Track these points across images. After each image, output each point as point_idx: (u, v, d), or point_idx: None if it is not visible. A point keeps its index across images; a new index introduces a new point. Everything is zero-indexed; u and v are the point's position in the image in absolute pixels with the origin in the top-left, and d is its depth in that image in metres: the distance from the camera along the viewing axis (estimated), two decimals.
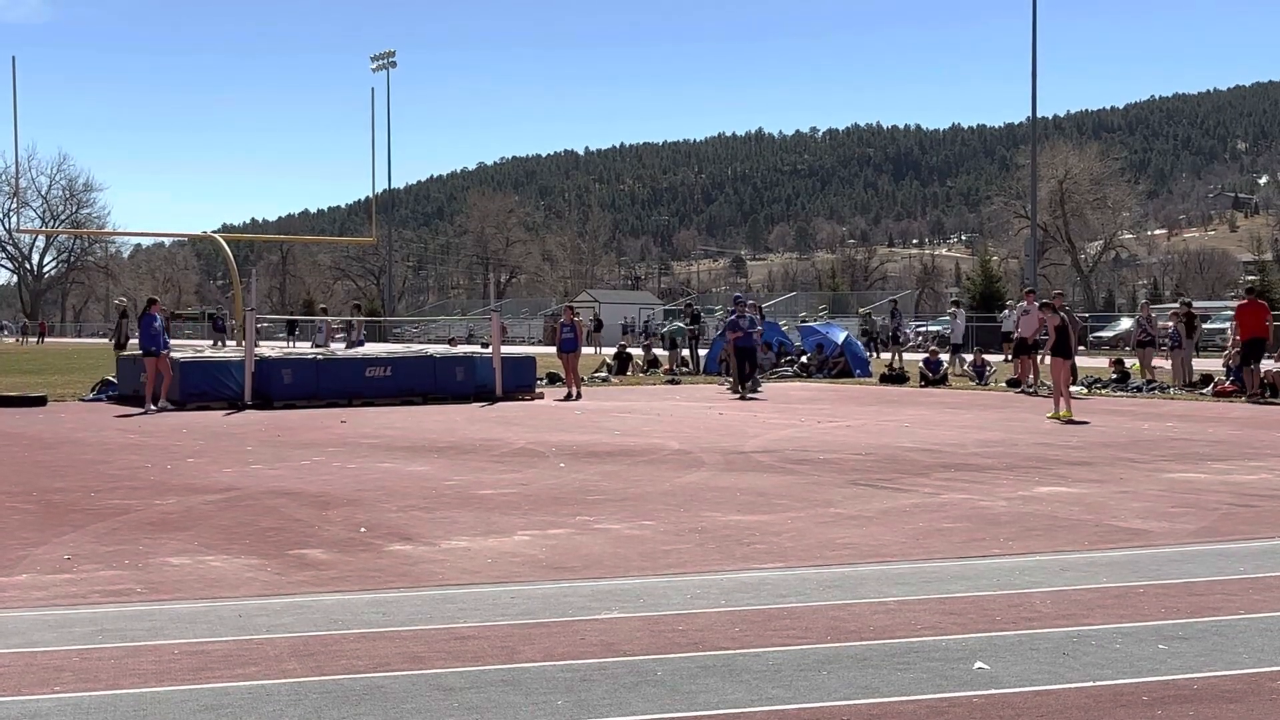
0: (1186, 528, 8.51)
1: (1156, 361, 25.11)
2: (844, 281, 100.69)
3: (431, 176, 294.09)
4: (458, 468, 12.12)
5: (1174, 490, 10.31)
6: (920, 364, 27.54)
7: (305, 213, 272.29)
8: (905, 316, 45.36)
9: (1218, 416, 18.00)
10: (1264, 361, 21.94)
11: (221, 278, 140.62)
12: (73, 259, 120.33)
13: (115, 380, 22.58)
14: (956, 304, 37.00)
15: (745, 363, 23.67)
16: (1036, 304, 24.38)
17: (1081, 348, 34.06)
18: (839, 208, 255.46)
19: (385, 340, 64.85)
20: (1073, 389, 19.42)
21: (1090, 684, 4.82)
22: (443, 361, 22.94)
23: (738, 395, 23.03)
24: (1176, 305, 28.18)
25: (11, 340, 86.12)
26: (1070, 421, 16.96)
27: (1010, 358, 29.81)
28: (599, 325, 53.10)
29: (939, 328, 51.95)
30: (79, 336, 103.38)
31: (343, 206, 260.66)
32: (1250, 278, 69.78)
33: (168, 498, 10.04)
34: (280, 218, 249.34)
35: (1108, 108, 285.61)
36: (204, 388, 20.39)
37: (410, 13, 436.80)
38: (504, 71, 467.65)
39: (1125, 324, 46.94)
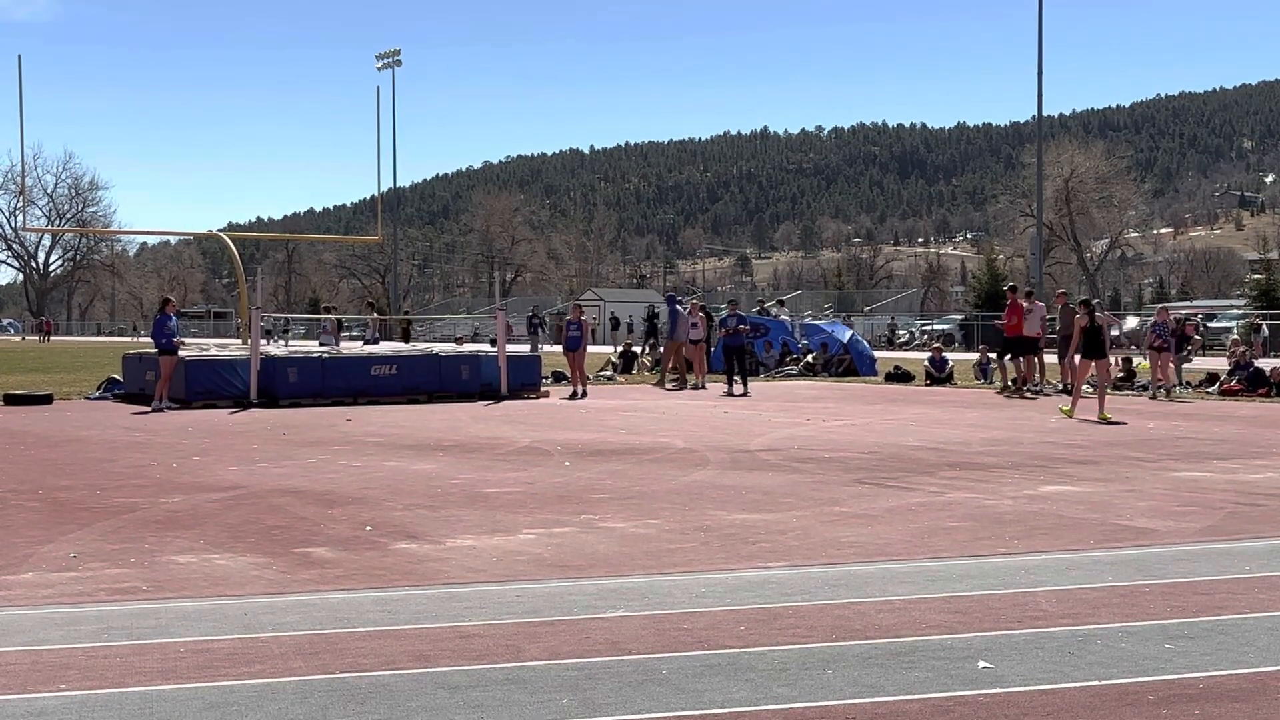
0: (1192, 526, 8.49)
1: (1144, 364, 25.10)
2: (849, 280, 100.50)
3: (437, 175, 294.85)
4: (463, 466, 12.12)
5: (1180, 489, 10.30)
6: (925, 362, 27.50)
7: (311, 211, 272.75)
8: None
9: (1223, 415, 17.97)
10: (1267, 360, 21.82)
11: (227, 276, 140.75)
12: (78, 257, 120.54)
13: (121, 379, 22.64)
14: (780, 303, 39.70)
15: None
16: (1039, 303, 24.39)
17: None
18: (844, 206, 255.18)
19: (391, 338, 65.04)
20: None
21: (1096, 683, 4.81)
22: (448, 360, 22.93)
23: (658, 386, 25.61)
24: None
25: (17, 338, 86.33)
26: (1082, 420, 16.94)
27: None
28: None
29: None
30: (88, 335, 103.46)
31: (348, 205, 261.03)
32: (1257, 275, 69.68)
33: (173, 496, 10.06)
34: (286, 216, 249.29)
35: (1114, 106, 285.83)
36: (209, 386, 20.42)
37: (416, 10, 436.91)
38: (509, 70, 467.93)
39: (1131, 323, 46.91)
